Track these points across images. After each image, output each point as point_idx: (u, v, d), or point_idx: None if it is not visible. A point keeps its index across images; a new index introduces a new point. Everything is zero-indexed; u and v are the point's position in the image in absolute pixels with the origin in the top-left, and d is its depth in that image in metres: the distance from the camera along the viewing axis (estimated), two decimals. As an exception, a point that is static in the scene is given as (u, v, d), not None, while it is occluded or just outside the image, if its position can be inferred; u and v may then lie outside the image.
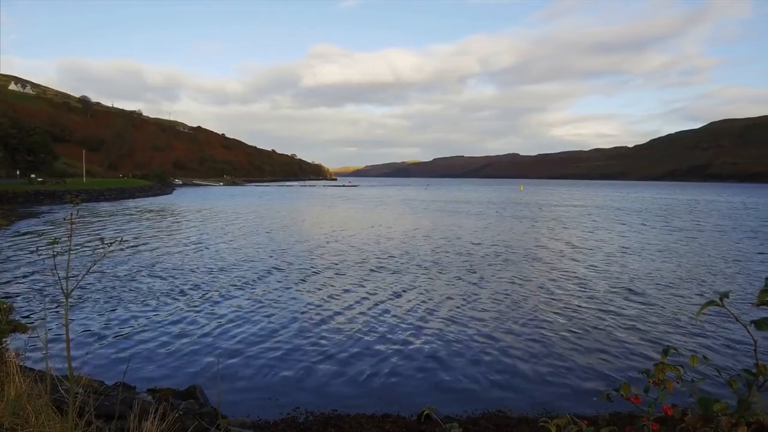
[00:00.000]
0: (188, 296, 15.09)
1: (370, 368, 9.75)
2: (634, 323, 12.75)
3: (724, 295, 1.44)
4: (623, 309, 14.12)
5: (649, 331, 12.12)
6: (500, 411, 8.02)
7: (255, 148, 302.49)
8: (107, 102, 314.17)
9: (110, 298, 14.68)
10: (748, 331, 1.42)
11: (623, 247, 26.60)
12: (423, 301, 14.87)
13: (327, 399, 8.41)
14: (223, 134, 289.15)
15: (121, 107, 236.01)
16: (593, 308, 14.19)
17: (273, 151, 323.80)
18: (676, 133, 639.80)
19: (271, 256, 22.52)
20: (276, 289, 16.18)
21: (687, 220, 44.96)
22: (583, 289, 16.55)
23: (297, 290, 16.15)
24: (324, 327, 12.28)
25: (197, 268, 19.50)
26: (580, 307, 14.36)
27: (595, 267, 20.74)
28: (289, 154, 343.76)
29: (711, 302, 1.48)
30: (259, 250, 24.59)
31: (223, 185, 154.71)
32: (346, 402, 8.30)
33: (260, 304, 14.29)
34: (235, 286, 16.58)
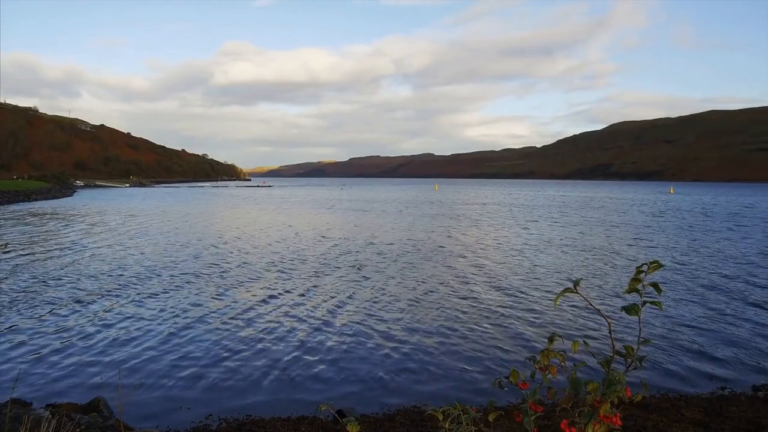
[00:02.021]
0: (86, 303, 14.27)
1: (284, 371, 9.66)
2: (533, 314, 13.41)
3: (577, 282, 1.58)
4: (524, 301, 14.80)
5: (546, 321, 12.80)
6: (415, 406, 8.17)
7: (163, 147, 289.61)
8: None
9: None
10: (601, 315, 1.56)
11: (524, 243, 27.83)
12: (341, 302, 14.90)
13: (241, 404, 8.25)
14: (129, 133, 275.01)
15: (13, 103, 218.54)
16: (497, 302, 14.77)
17: (183, 150, 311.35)
18: (580, 134, 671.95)
19: (170, 261, 21.65)
20: (177, 295, 15.59)
21: (583, 215, 47.79)
22: (488, 283, 17.17)
23: (200, 295, 15.62)
24: (233, 332, 12.00)
25: (94, 274, 18.46)
26: (485, 301, 14.90)
27: (499, 262, 21.57)
28: (200, 153, 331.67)
29: (566, 290, 1.62)
30: (157, 254, 23.59)
31: (129, 186, 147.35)
32: (261, 407, 8.18)
33: (163, 310, 13.73)
34: (135, 291, 15.85)
